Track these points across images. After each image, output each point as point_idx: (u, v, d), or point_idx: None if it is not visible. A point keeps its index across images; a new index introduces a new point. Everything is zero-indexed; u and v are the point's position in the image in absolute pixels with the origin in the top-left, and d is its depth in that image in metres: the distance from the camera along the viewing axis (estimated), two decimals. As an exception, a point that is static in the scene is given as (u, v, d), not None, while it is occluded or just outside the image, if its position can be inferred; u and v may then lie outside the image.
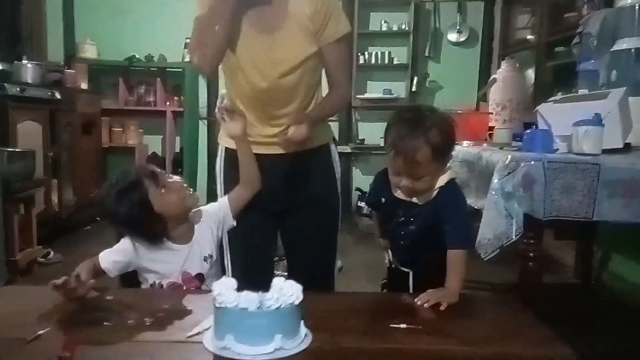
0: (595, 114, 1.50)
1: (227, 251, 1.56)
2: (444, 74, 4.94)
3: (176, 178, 1.42)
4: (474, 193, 1.78)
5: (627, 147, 1.71)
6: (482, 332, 1.08)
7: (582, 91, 2.67)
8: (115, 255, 1.38)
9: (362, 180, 4.86)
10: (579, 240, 3.03)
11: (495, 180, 1.49)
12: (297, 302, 0.96)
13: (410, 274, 1.35)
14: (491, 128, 2.37)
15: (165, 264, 1.39)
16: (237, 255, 1.56)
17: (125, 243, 1.40)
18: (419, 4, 4.77)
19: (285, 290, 0.97)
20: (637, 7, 2.24)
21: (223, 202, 1.52)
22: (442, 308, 1.11)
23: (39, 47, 4.22)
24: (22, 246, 2.89)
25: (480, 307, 1.29)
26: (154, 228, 1.37)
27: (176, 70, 4.62)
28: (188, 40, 4.56)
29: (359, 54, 4.82)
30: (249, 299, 0.96)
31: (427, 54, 4.90)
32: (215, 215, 1.49)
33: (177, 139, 4.82)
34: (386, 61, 4.86)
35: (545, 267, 2.97)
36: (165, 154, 4.75)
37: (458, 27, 4.88)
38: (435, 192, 1.25)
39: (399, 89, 4.91)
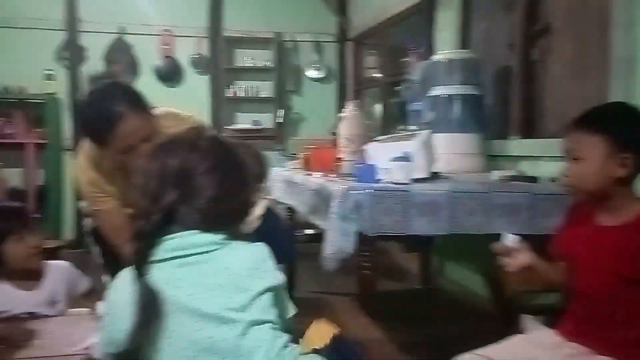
0: (404, 152, 1.96)
1: None
2: (306, 107, 5.41)
3: (36, 237, 1.52)
4: (322, 217, 2.15)
5: (435, 175, 2.20)
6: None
7: (412, 127, 3.25)
8: None
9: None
10: (421, 252, 3.59)
11: (334, 206, 1.87)
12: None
13: None
14: (340, 158, 2.79)
15: (8, 305, 1.47)
16: None
17: None
18: (280, 43, 5.21)
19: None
20: (444, 61, 2.84)
21: (85, 280, 1.69)
22: None
23: None
24: None
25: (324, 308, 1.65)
26: None
27: (37, 101, 4.51)
28: (49, 73, 4.56)
29: (227, 87, 5.11)
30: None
31: (290, 89, 5.35)
32: (73, 278, 1.64)
33: (41, 172, 4.67)
34: (253, 94, 5.21)
35: (394, 276, 3.49)
36: (27, 187, 4.59)
37: (315, 65, 5.40)
38: (256, 221, 1.54)
39: (266, 120, 5.28)
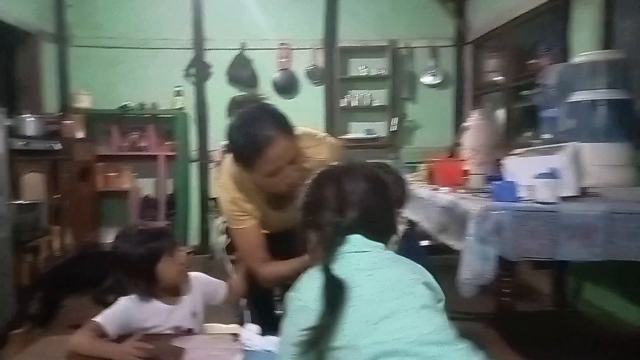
0: (550, 167, 1.76)
1: None
2: (421, 114, 5.25)
3: (184, 253, 1.57)
4: (454, 236, 2.02)
5: (584, 192, 1.97)
6: None
7: (546, 135, 2.99)
8: (117, 315, 1.46)
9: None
10: (554, 270, 3.28)
11: (470, 227, 1.73)
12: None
13: None
14: (467, 171, 2.63)
15: (157, 320, 1.51)
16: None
17: (123, 301, 1.50)
18: (395, 50, 5.11)
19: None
20: (587, 64, 2.57)
21: (221, 286, 1.71)
22: None
23: (36, 98, 4.41)
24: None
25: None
26: (148, 284, 1.50)
27: (168, 116, 4.84)
28: (178, 89, 4.88)
29: (341, 97, 5.12)
30: (272, 341, 1.17)
31: (404, 96, 5.22)
32: (210, 287, 1.67)
33: (170, 181, 5.01)
34: (367, 103, 5.16)
35: (523, 295, 3.21)
36: (158, 196, 4.94)
37: (432, 71, 5.22)
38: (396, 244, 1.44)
39: (380, 129, 5.20)
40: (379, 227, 1.10)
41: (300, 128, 1.68)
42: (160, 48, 4.92)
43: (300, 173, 1.51)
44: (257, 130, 1.44)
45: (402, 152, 5.15)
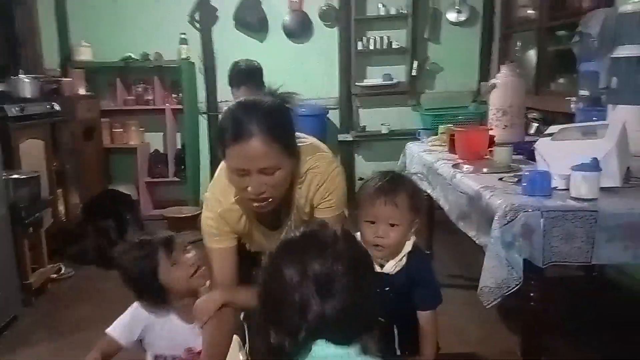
0: (592, 158, 1.50)
1: None
2: (445, 56, 4.86)
3: (190, 255, 1.43)
4: (476, 227, 1.80)
5: (628, 177, 1.72)
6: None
7: (583, 92, 2.68)
8: (127, 322, 1.42)
9: (365, 167, 4.86)
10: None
11: (495, 229, 1.51)
12: None
13: (395, 330, 1.45)
14: (493, 140, 2.37)
15: (170, 339, 1.41)
16: None
17: (136, 309, 1.43)
18: (416, -15, 4.65)
19: None
20: (636, 13, 2.21)
21: None
22: None
23: (34, 52, 4.18)
24: (33, 266, 2.95)
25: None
26: (157, 297, 1.40)
27: (173, 67, 4.56)
28: (183, 37, 4.57)
29: (358, 39, 4.74)
30: None
31: (426, 36, 4.81)
32: None
33: (178, 135, 4.82)
34: (385, 46, 4.77)
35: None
36: (167, 151, 4.77)
37: (457, 7, 4.77)
38: (404, 259, 1.37)
39: (398, 74, 4.84)
40: (354, 326, 0.84)
41: (307, 139, 1.49)
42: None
43: (276, 190, 1.33)
44: (243, 119, 1.26)
45: (423, 98, 4.83)
